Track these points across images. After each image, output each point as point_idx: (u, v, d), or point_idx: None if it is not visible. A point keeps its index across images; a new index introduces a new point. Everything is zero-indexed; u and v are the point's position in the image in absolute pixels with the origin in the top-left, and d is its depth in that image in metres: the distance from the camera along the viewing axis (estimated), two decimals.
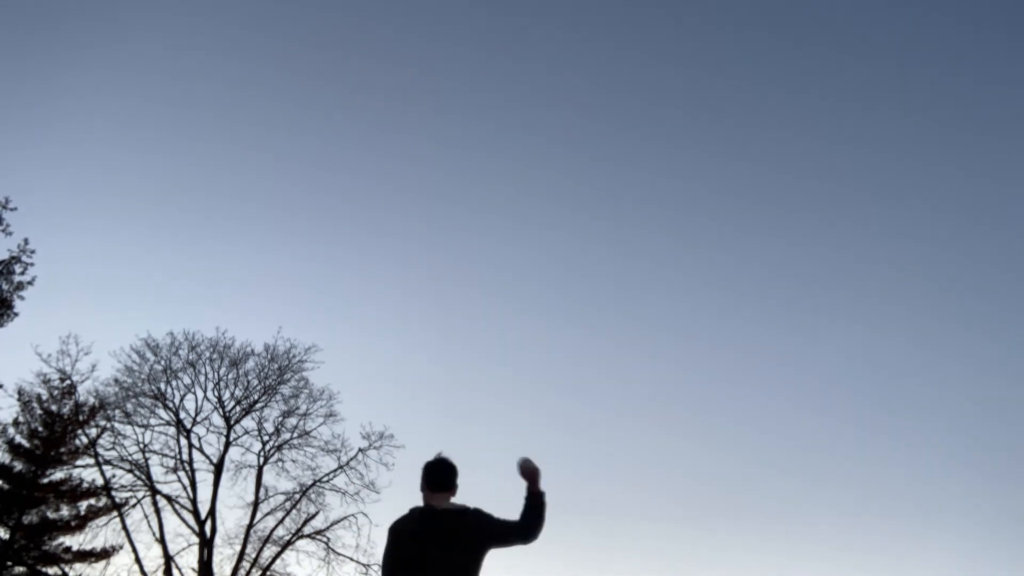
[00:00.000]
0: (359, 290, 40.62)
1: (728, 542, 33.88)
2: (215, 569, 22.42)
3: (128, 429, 23.54)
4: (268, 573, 22.92)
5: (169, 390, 24.30)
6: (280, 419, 24.87)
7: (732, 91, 44.73)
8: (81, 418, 22.27)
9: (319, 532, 23.63)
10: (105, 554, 21.58)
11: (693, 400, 40.48)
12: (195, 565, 22.32)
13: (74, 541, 21.56)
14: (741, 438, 38.30)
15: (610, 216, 43.85)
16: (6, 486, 20.75)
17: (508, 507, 3.77)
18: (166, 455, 23.72)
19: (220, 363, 24.77)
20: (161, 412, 24.10)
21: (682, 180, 44.66)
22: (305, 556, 23.45)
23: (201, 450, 24.13)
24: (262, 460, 24.33)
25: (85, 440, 22.61)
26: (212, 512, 23.08)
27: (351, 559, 23.16)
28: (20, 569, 20.57)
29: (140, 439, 23.53)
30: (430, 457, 3.91)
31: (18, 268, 19.40)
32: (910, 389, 40.75)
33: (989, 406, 39.27)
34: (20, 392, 21.83)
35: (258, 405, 24.89)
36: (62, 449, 21.76)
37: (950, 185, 42.57)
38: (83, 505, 21.83)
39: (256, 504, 23.51)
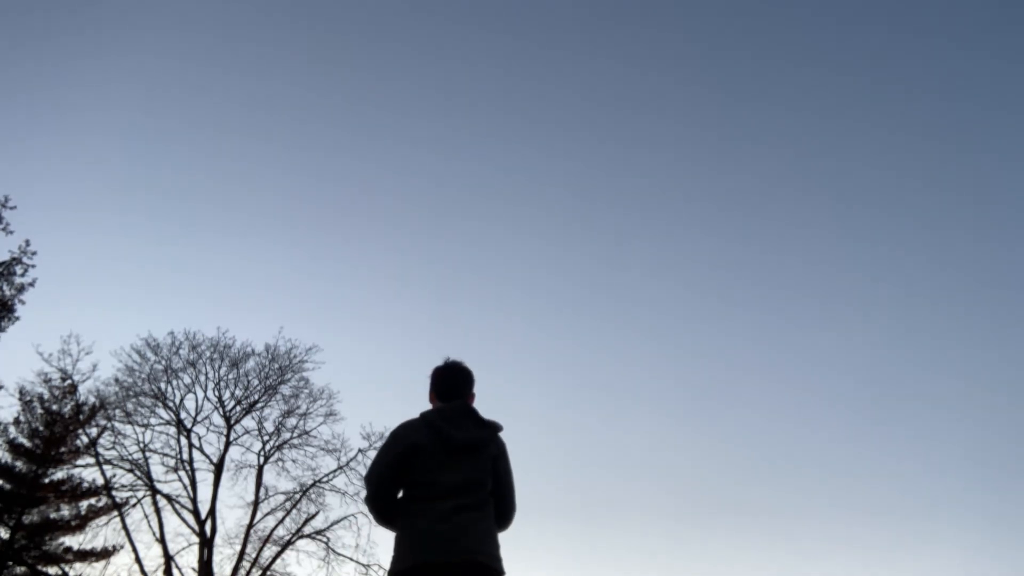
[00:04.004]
0: (360, 290, 40.62)
1: (728, 542, 33.92)
2: (215, 569, 22.44)
3: (128, 429, 23.59)
4: (268, 573, 22.93)
5: (169, 390, 24.35)
6: (280, 419, 24.89)
7: (733, 93, 44.78)
8: (82, 418, 22.25)
9: (319, 532, 23.65)
10: (105, 554, 21.59)
11: (693, 399, 40.51)
12: (195, 565, 22.33)
13: (74, 541, 21.57)
14: (742, 437, 38.31)
15: (612, 218, 43.86)
16: (7, 486, 20.73)
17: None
18: (166, 455, 23.77)
19: (221, 363, 24.80)
20: (161, 412, 24.14)
21: (680, 180, 44.67)
22: (305, 556, 23.49)
23: (201, 450, 24.19)
24: (262, 460, 24.37)
25: (86, 440, 22.62)
26: (212, 512, 23.10)
27: (351, 559, 23.18)
28: (20, 569, 20.57)
29: (140, 439, 23.58)
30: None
31: (19, 270, 19.28)
32: (911, 387, 40.77)
33: (991, 404, 39.31)
34: (21, 392, 21.80)
35: (258, 405, 24.92)
36: (63, 449, 21.73)
37: (950, 183, 42.62)
38: (83, 505, 21.80)
39: (256, 504, 23.53)
